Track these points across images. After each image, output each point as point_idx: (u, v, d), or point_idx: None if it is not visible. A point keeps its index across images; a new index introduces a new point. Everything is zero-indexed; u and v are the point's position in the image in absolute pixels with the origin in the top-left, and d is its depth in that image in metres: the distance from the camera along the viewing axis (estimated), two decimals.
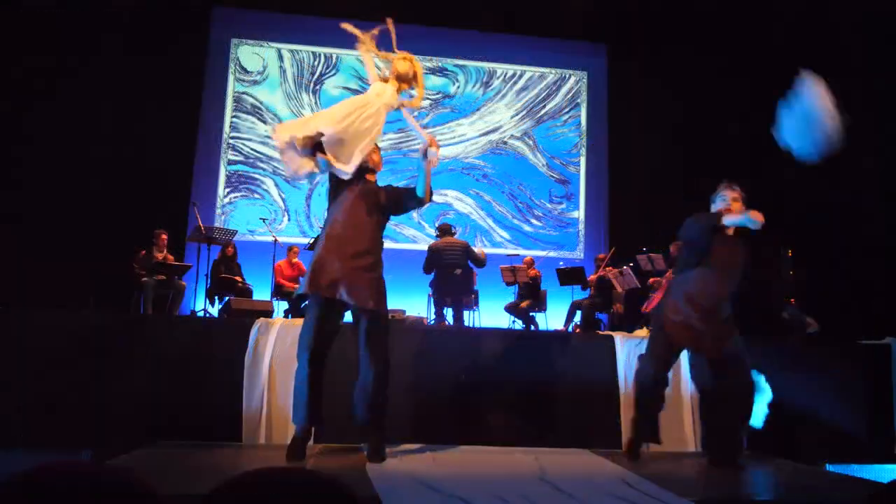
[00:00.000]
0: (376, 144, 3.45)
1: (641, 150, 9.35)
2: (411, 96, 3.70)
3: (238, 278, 7.10)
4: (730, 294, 3.55)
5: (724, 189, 3.68)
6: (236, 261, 7.25)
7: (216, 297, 6.99)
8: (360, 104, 3.34)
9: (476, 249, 6.31)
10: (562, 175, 9.95)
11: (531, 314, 7.52)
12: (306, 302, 3.31)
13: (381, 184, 3.40)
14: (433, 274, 6.44)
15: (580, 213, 9.86)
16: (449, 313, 6.73)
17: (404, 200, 3.40)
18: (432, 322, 6.29)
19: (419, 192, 3.35)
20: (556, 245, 9.78)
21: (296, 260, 7.51)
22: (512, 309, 7.50)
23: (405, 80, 3.63)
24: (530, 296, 7.57)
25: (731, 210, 3.56)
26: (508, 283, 7.52)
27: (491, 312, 7.80)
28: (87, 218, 7.45)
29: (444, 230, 6.53)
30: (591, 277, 7.24)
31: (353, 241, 3.18)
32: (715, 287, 3.46)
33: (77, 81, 7.98)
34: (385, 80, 3.62)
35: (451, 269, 6.14)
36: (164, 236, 6.96)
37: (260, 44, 9.57)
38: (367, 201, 3.28)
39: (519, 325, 7.66)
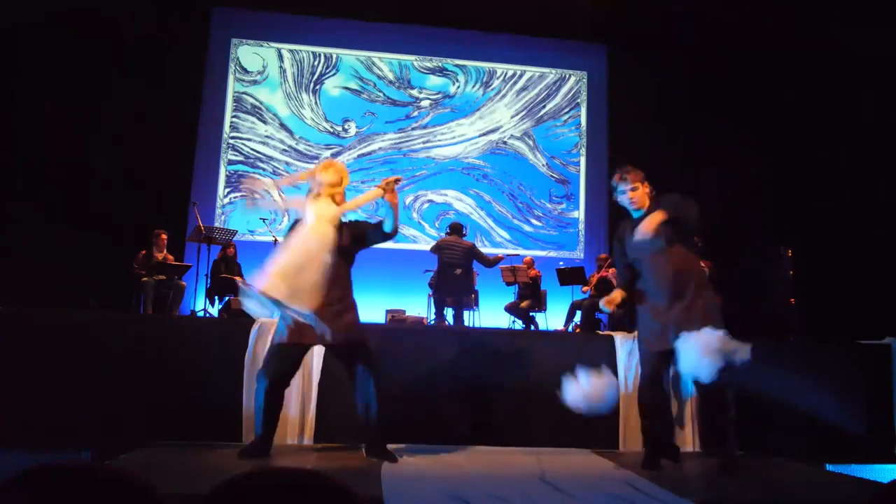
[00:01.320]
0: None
1: (642, 150, 9.32)
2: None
3: (238, 278, 7.06)
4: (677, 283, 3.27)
5: (617, 180, 3.40)
6: (236, 261, 7.28)
7: (216, 297, 7.01)
8: (306, 250, 3.19)
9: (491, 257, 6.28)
10: (562, 175, 9.95)
11: (531, 314, 7.54)
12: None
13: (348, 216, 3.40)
14: (432, 273, 6.54)
15: (580, 213, 9.87)
16: (449, 313, 6.73)
17: (369, 236, 3.48)
18: (432, 322, 6.37)
19: (387, 228, 3.44)
20: (556, 245, 9.78)
21: None
22: (512, 309, 7.53)
23: (336, 185, 3.42)
24: (530, 296, 7.60)
25: (634, 202, 3.32)
26: (508, 283, 7.57)
27: (491, 312, 7.80)
28: (87, 217, 7.44)
29: (454, 228, 6.60)
30: (592, 277, 7.37)
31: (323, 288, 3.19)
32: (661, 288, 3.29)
33: (77, 81, 7.97)
34: (317, 196, 3.42)
35: (451, 269, 6.18)
36: (164, 236, 6.98)
37: (260, 44, 9.56)
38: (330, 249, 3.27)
39: (519, 325, 7.66)
